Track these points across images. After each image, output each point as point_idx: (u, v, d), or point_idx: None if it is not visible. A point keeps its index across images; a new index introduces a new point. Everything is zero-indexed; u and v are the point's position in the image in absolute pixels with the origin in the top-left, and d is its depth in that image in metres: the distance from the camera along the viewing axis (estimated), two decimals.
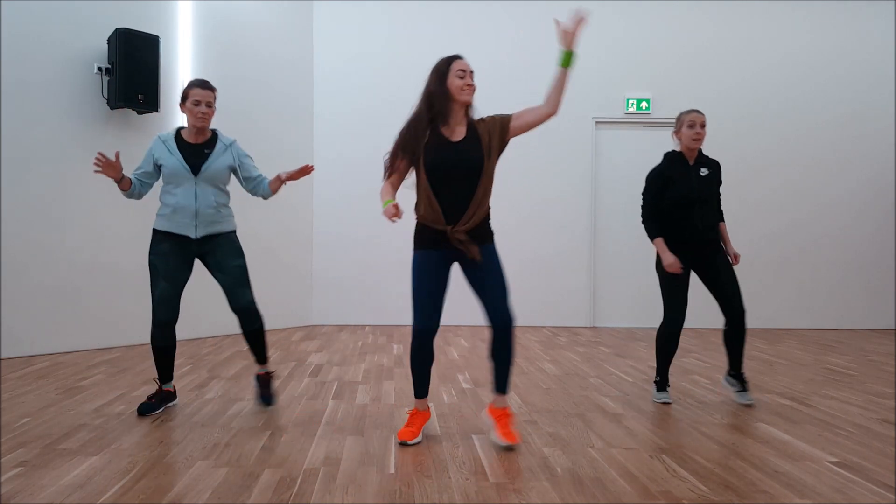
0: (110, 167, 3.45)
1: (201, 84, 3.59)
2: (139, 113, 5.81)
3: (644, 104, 7.57)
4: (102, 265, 5.70)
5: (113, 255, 5.74)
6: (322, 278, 7.44)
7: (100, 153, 3.42)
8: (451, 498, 2.46)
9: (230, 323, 6.58)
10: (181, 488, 2.53)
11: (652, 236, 3.99)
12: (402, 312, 7.41)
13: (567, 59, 3.03)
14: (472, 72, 3.08)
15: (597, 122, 7.58)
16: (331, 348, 5.89)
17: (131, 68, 5.54)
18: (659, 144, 7.71)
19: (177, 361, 5.12)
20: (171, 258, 3.57)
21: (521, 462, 2.88)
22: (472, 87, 3.07)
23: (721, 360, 5.51)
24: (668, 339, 3.99)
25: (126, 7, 5.81)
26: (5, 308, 5.19)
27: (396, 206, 2.94)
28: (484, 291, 3.08)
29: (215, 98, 3.65)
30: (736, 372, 4.03)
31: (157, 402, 3.66)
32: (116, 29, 5.54)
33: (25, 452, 2.93)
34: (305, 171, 3.61)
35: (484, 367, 5.05)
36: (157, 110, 5.78)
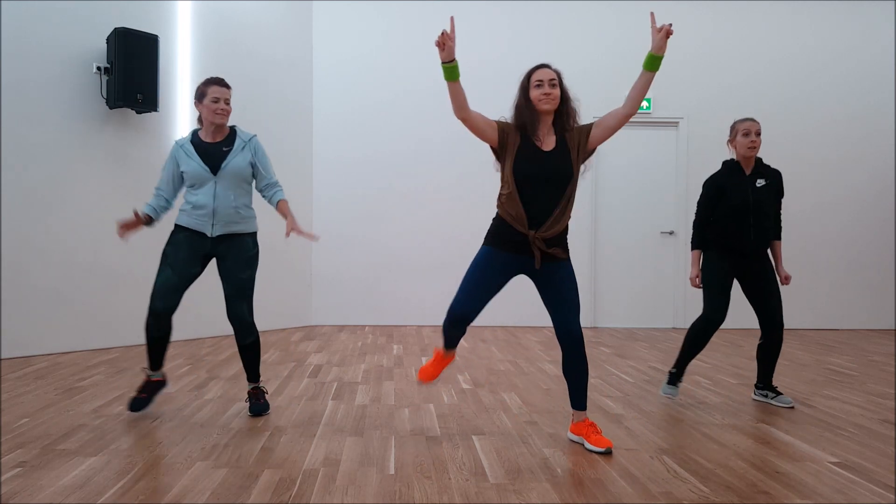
0: (132, 227, 3.56)
1: (219, 81, 3.58)
2: (138, 113, 5.80)
3: (645, 104, 7.57)
4: (101, 265, 5.69)
5: (112, 255, 5.73)
6: (322, 278, 7.43)
7: (120, 226, 3.54)
8: (451, 498, 2.45)
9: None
10: (180, 489, 2.52)
11: (692, 246, 3.99)
12: (401, 313, 7.41)
13: (655, 63, 3.00)
14: (551, 79, 3.01)
15: None
16: (330, 349, 5.88)
17: (130, 68, 5.53)
18: (659, 144, 7.73)
19: (176, 362, 5.11)
20: (182, 248, 3.54)
21: (522, 463, 2.87)
22: (548, 96, 3.01)
23: (720, 359, 5.50)
24: (700, 333, 3.87)
25: (125, 6, 5.80)
26: (5, 308, 5.18)
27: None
28: (555, 308, 3.06)
29: (230, 96, 3.63)
30: (766, 384, 4.00)
31: (148, 395, 3.63)
32: (115, 28, 5.53)
33: (24, 453, 2.92)
34: (306, 235, 3.73)
35: (484, 368, 5.04)
36: (156, 110, 5.77)
